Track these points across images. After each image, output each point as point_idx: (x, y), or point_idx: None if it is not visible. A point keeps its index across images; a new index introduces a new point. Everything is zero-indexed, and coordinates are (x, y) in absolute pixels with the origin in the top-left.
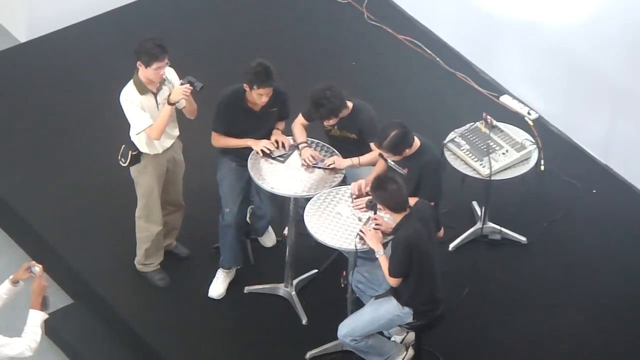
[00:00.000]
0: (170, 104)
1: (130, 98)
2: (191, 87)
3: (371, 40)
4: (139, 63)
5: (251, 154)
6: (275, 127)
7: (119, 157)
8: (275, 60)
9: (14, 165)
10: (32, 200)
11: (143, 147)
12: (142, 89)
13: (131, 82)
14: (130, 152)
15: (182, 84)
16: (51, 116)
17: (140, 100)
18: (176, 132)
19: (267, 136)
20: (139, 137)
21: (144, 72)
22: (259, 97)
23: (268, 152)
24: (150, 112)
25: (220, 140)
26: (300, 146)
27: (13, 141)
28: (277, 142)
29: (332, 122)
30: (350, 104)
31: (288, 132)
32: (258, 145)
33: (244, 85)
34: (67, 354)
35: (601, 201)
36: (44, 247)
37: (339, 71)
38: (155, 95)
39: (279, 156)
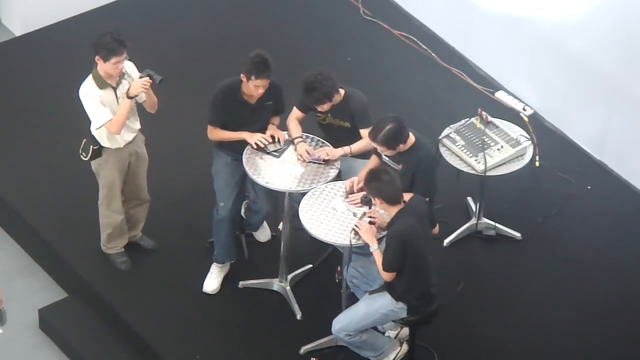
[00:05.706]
0: (129, 97)
1: (89, 93)
2: (150, 80)
3: (367, 35)
4: (97, 57)
5: (246, 148)
6: (270, 122)
7: (80, 152)
8: (271, 56)
9: (13, 161)
10: (27, 195)
11: (104, 142)
12: (101, 84)
13: (90, 76)
14: (91, 146)
15: (141, 77)
16: (47, 110)
17: (100, 94)
18: (137, 126)
19: (262, 130)
20: (99, 132)
21: (103, 67)
22: (255, 88)
23: (263, 146)
24: (110, 106)
25: (215, 133)
26: (295, 141)
27: (9, 136)
28: (272, 137)
29: (325, 107)
30: (342, 91)
31: (283, 127)
32: (253, 138)
33: (241, 76)
34: (62, 348)
35: (596, 197)
36: (38, 241)
37: (335, 66)
38: (114, 89)
39: (274, 151)
